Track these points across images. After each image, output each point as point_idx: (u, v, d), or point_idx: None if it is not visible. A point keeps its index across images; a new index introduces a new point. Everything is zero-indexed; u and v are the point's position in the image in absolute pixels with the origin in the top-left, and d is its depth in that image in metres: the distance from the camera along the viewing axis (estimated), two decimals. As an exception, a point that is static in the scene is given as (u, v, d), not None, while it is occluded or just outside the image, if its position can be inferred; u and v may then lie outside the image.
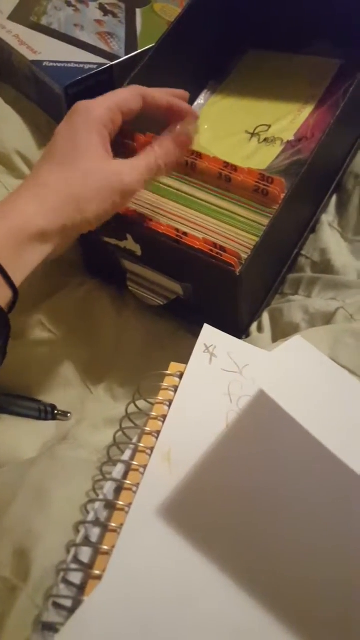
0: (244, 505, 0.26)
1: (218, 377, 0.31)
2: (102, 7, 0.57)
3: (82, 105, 0.37)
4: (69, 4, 0.57)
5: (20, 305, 0.47)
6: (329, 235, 0.48)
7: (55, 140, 0.36)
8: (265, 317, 0.46)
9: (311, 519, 0.25)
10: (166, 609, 0.24)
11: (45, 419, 0.43)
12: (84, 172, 0.34)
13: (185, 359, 0.33)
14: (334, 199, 0.51)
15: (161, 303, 0.43)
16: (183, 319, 0.47)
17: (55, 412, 0.43)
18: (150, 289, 0.44)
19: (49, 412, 0.43)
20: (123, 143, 0.42)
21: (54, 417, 0.43)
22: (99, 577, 0.24)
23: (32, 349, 0.45)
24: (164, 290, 0.43)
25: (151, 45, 0.53)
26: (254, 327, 0.46)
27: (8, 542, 0.27)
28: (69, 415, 0.43)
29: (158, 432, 0.29)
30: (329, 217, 0.50)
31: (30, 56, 0.52)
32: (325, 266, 0.45)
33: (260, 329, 0.45)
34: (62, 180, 0.33)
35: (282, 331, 0.43)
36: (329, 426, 0.24)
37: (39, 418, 0.43)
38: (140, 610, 0.24)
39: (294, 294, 0.46)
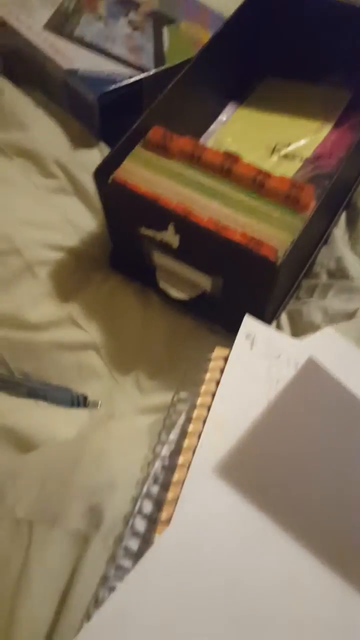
0: (291, 464, 0.32)
1: (258, 361, 0.37)
2: (131, 23, 0.64)
3: None
4: (100, 19, 0.64)
5: (51, 299, 0.53)
6: (343, 247, 0.55)
7: None
8: (284, 318, 0.52)
9: (353, 476, 0.30)
10: (226, 551, 0.29)
11: (78, 406, 0.48)
12: None
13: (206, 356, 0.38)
14: (343, 215, 0.59)
15: (187, 297, 0.49)
16: (204, 318, 0.53)
17: (87, 400, 0.48)
18: (178, 284, 0.49)
19: (81, 401, 0.48)
20: (163, 144, 0.48)
21: (85, 406, 0.48)
22: (166, 522, 0.29)
23: (63, 342, 0.50)
24: (191, 285, 0.49)
25: (179, 62, 0.61)
26: (272, 326, 0.52)
27: (78, 501, 0.32)
28: (99, 404, 0.48)
29: (208, 405, 0.35)
30: (340, 231, 0.58)
31: (66, 64, 0.58)
32: (341, 273, 0.52)
33: (279, 329, 0.51)
34: None
35: (301, 331, 0.50)
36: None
37: (71, 406, 0.47)
38: (205, 551, 0.29)
39: (309, 298, 0.53)
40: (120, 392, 0.49)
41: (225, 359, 0.37)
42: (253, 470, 0.32)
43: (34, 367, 0.48)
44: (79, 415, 0.46)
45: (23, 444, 0.42)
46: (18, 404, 0.45)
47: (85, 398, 0.48)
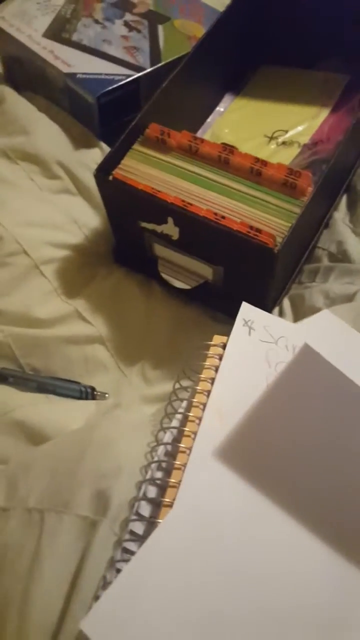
0: (289, 446, 0.31)
1: (257, 346, 0.37)
2: (127, 24, 0.64)
3: None
4: (97, 22, 0.64)
5: (57, 296, 0.53)
6: (344, 230, 0.54)
7: None
8: (286, 303, 0.51)
9: (349, 458, 0.30)
10: (228, 530, 0.29)
11: (86, 399, 0.48)
12: None
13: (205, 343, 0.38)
14: (344, 198, 0.58)
15: (189, 287, 0.49)
16: (206, 306, 0.53)
17: (95, 392, 0.48)
18: (180, 274, 0.49)
19: (89, 393, 0.48)
20: (161, 140, 0.48)
21: (93, 397, 0.48)
22: (170, 505, 0.29)
23: (70, 337, 0.50)
24: (193, 274, 0.49)
25: (174, 58, 0.60)
26: (274, 312, 0.51)
27: (87, 487, 0.32)
28: (106, 395, 0.48)
29: (208, 391, 0.34)
30: (340, 214, 0.57)
31: (65, 69, 0.58)
32: (342, 256, 0.51)
33: (281, 314, 0.51)
34: None
35: (303, 315, 0.49)
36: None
37: (80, 398, 0.48)
38: (207, 531, 0.29)
39: (311, 282, 0.52)
40: (126, 383, 0.49)
41: (224, 346, 0.37)
42: (252, 453, 0.31)
43: (43, 362, 0.48)
44: (87, 407, 0.46)
45: (34, 437, 0.42)
46: (29, 399, 0.45)
47: (93, 390, 0.48)
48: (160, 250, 0.49)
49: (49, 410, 0.45)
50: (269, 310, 0.50)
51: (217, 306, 0.52)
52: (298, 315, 0.50)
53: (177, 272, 0.50)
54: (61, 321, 0.50)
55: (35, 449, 0.40)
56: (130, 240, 0.52)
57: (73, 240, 0.54)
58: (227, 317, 0.51)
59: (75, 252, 0.54)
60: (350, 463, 0.30)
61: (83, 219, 0.56)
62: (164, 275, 0.50)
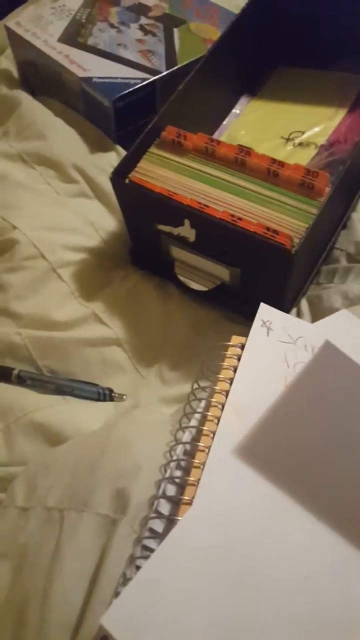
0: (308, 445, 0.32)
1: (275, 347, 0.38)
2: (142, 28, 0.66)
3: None
4: (112, 26, 0.65)
5: (75, 298, 0.54)
6: (361, 230, 0.55)
7: None
8: (304, 304, 0.52)
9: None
10: (246, 528, 0.30)
11: (104, 400, 0.49)
12: None
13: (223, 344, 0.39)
14: (362, 199, 0.58)
15: (206, 288, 0.50)
16: (223, 308, 0.53)
17: (113, 394, 0.49)
18: (196, 276, 0.51)
19: (106, 395, 0.49)
20: (178, 142, 0.49)
21: (111, 399, 0.49)
22: (189, 503, 0.30)
23: (88, 339, 0.52)
24: (210, 276, 0.50)
25: (190, 61, 0.62)
26: (292, 313, 0.52)
27: (106, 487, 0.33)
28: (124, 397, 0.49)
29: (226, 392, 0.35)
30: (358, 215, 0.57)
31: (80, 73, 0.60)
32: (360, 257, 0.52)
33: (299, 315, 0.52)
34: None
35: (322, 316, 0.49)
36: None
37: (98, 400, 0.49)
38: (225, 528, 0.30)
39: (329, 283, 0.53)
40: (144, 384, 0.50)
41: (243, 347, 0.38)
42: (271, 452, 0.32)
43: (61, 365, 0.50)
44: (105, 408, 0.48)
45: (53, 438, 0.43)
46: (47, 401, 0.47)
47: (110, 392, 0.49)
48: (176, 252, 0.50)
49: (67, 411, 0.46)
50: (286, 311, 0.51)
51: (234, 308, 0.53)
52: (316, 316, 0.50)
53: (193, 274, 0.51)
54: (78, 324, 0.52)
55: (53, 449, 0.42)
56: (147, 243, 0.53)
57: (90, 244, 0.56)
58: (244, 319, 0.52)
59: (92, 255, 0.55)
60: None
61: (99, 222, 0.58)
62: (180, 278, 0.52)
